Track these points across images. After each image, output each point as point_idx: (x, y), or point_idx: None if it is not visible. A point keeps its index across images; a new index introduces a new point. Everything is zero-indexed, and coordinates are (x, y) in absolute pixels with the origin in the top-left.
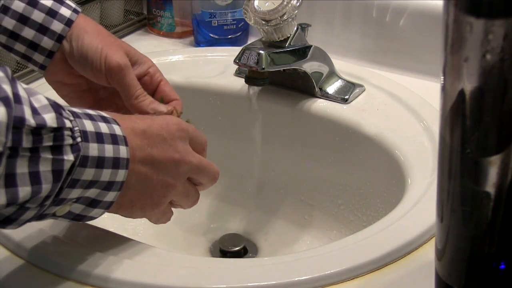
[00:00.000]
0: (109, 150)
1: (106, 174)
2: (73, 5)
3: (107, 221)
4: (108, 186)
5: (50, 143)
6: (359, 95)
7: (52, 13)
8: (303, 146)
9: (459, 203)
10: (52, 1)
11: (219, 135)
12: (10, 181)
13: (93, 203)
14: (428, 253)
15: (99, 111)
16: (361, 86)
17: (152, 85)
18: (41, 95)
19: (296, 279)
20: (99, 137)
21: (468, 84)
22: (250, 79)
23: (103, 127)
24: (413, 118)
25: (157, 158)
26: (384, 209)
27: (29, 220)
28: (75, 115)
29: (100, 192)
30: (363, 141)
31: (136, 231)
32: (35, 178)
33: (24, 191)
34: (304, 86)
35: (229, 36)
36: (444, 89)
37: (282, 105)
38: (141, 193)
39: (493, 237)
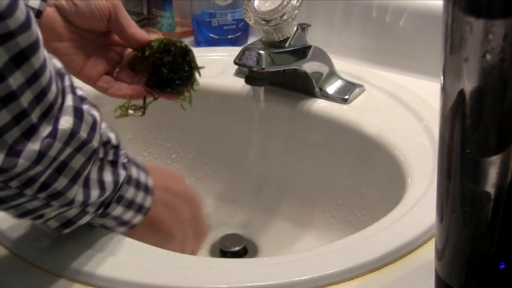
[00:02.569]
0: (142, 176)
1: (140, 196)
2: None
3: None
4: (139, 209)
5: (111, 158)
6: (359, 95)
7: None
8: (303, 146)
9: (459, 203)
10: None
11: (219, 135)
12: (86, 183)
13: (123, 223)
14: (428, 253)
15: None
16: (361, 86)
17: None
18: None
19: (296, 279)
20: (137, 164)
21: (468, 84)
22: (250, 79)
23: (137, 159)
24: (413, 118)
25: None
26: (384, 209)
27: (81, 223)
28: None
29: (133, 214)
30: (363, 141)
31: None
32: (101, 184)
33: (94, 194)
34: (304, 86)
35: (229, 36)
36: (444, 89)
37: (282, 105)
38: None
39: (493, 237)
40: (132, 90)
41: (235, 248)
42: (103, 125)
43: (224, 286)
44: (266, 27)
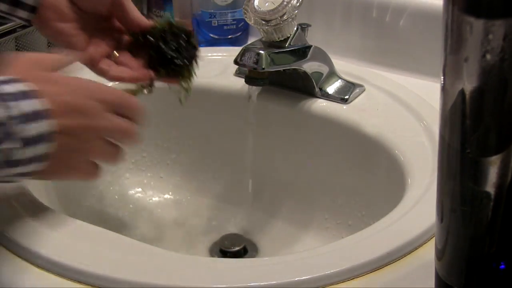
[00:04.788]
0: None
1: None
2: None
3: (107, 221)
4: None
5: None
6: (359, 95)
7: None
8: (303, 146)
9: (459, 203)
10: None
11: (219, 135)
12: None
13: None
14: (428, 253)
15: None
16: (361, 86)
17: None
18: None
19: (296, 279)
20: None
21: (468, 84)
22: (250, 79)
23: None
24: (413, 118)
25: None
26: (384, 209)
27: None
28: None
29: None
30: (363, 141)
31: (136, 231)
32: None
33: None
34: (304, 86)
35: (229, 36)
36: (444, 89)
37: (282, 105)
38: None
39: (493, 237)
40: (134, 72)
41: (235, 248)
42: None
43: (224, 286)
44: (266, 27)
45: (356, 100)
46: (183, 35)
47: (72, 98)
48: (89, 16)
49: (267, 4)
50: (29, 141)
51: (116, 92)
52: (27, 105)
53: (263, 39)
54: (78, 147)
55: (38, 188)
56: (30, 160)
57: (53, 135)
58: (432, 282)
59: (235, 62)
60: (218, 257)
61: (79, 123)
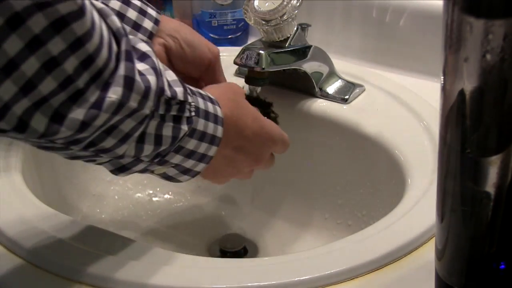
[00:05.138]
0: (210, 127)
1: (203, 147)
2: (154, 15)
3: (107, 221)
4: (201, 158)
5: (175, 113)
6: (359, 95)
7: (142, 12)
8: (303, 146)
9: (459, 203)
10: (140, 2)
11: None
12: (141, 138)
13: (185, 171)
14: (428, 253)
15: (206, 91)
16: (361, 86)
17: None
18: (170, 70)
19: (296, 279)
20: (207, 115)
21: (468, 84)
22: (250, 79)
23: (210, 107)
24: (413, 118)
25: (243, 148)
26: (384, 209)
27: (136, 171)
28: (192, 92)
29: (194, 163)
30: (363, 141)
31: (136, 231)
32: (158, 140)
33: (148, 148)
34: (304, 86)
35: (229, 36)
36: (444, 89)
37: (282, 105)
38: (224, 168)
39: (493, 237)
40: None
41: (235, 248)
42: (171, 78)
43: (224, 286)
44: (266, 27)
45: (356, 100)
46: (262, 105)
47: (253, 140)
48: (180, 74)
49: (267, 4)
50: (203, 137)
51: (284, 140)
52: (211, 107)
53: (263, 39)
54: (230, 171)
55: (38, 188)
56: (200, 157)
57: (218, 150)
58: (432, 282)
59: (235, 62)
60: (218, 257)
61: (242, 160)
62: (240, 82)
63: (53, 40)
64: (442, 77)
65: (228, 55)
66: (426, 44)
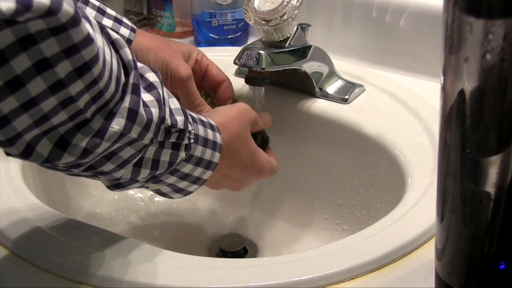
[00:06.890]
0: (208, 153)
1: (198, 171)
2: (129, 23)
3: (107, 221)
4: (195, 181)
5: (174, 140)
6: (359, 95)
7: (118, 20)
8: (303, 146)
9: (459, 203)
10: (112, 21)
11: None
12: (139, 162)
13: (178, 191)
14: (428, 253)
15: (208, 118)
16: (361, 86)
17: (201, 71)
18: (174, 98)
19: (296, 279)
20: (205, 142)
21: (468, 84)
22: (250, 79)
23: (210, 134)
24: (413, 118)
25: (230, 176)
26: (384, 209)
27: (132, 188)
28: (193, 120)
29: (188, 184)
30: (363, 141)
31: (136, 231)
32: (155, 164)
33: (145, 172)
34: (304, 86)
35: (229, 36)
36: (444, 89)
37: (282, 105)
38: (211, 186)
39: (493, 237)
40: None
41: (235, 248)
42: (174, 106)
43: (224, 286)
44: (266, 27)
45: (356, 100)
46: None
47: (241, 172)
48: None
49: (267, 4)
50: (199, 163)
51: (271, 170)
52: (211, 134)
53: (263, 39)
54: (216, 188)
55: (38, 188)
56: (195, 180)
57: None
58: (432, 282)
59: (235, 62)
60: (218, 257)
61: (227, 184)
62: (240, 82)
63: (75, 83)
64: (442, 77)
65: (228, 55)
66: (426, 44)
